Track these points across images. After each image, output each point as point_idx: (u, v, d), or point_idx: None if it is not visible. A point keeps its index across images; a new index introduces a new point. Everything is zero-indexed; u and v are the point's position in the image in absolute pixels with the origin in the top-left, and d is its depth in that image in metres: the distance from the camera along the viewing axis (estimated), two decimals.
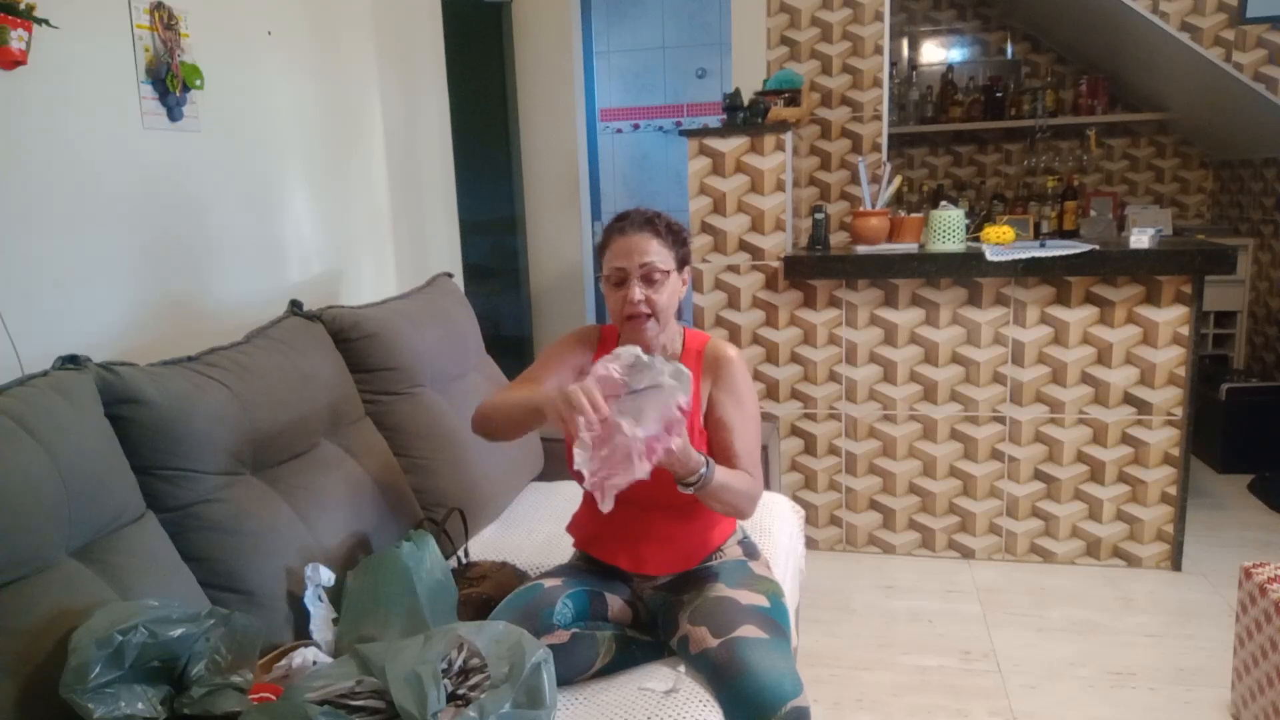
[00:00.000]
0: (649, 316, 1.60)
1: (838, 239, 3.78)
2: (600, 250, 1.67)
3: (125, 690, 1.15)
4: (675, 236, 1.66)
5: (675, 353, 1.70)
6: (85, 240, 1.69)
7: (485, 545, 2.13)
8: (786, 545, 2.11)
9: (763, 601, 1.61)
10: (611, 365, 1.39)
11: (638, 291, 1.58)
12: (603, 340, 1.78)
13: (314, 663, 1.44)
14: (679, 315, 1.73)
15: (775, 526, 2.14)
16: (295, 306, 2.04)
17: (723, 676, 1.46)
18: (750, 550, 1.80)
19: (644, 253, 1.59)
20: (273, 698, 1.23)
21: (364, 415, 2.06)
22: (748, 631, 1.51)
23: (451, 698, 1.13)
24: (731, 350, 1.68)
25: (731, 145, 3.06)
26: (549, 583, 1.66)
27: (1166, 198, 4.67)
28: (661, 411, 1.37)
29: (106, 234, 1.74)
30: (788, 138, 3.04)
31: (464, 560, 1.93)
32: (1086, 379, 2.91)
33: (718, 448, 1.64)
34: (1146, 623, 2.62)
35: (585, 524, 1.79)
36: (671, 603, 1.67)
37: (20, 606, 1.17)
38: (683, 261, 1.67)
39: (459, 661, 1.18)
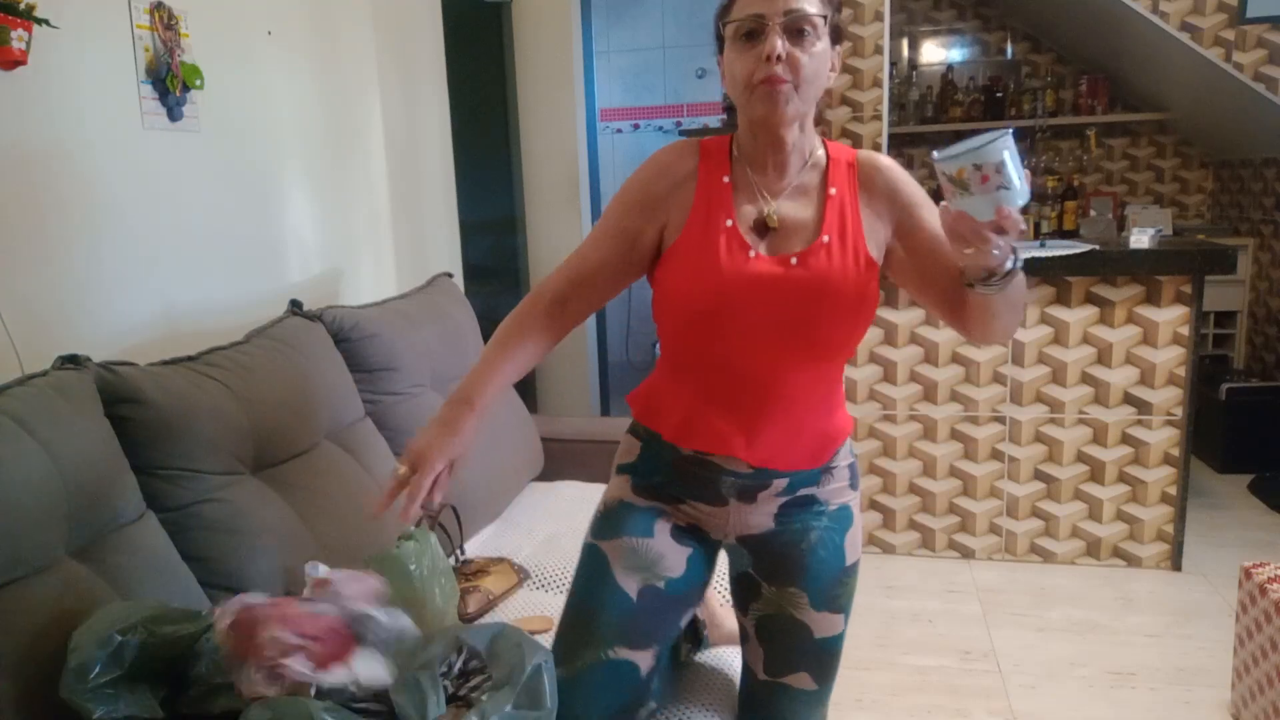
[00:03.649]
0: (788, 84, 1.19)
1: None
2: (724, 7, 1.27)
3: (125, 690, 1.15)
4: None
5: (820, 166, 1.31)
6: (85, 240, 1.69)
7: (485, 545, 2.13)
8: None
9: (837, 628, 1.40)
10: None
11: (779, 44, 1.17)
12: (705, 155, 1.32)
13: None
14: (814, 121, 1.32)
15: None
16: (295, 306, 2.04)
17: (753, 714, 1.44)
18: (853, 477, 1.44)
19: None
20: None
21: (364, 415, 2.06)
22: (799, 681, 1.39)
23: (452, 700, 1.12)
24: (885, 158, 1.32)
25: None
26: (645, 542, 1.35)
27: (1166, 198, 4.67)
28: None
29: (106, 234, 1.74)
30: None
31: (461, 557, 1.94)
32: (1086, 379, 2.91)
33: (941, 272, 1.26)
34: (1146, 623, 2.62)
35: (677, 406, 1.34)
36: (749, 574, 1.42)
37: (20, 606, 1.17)
38: (837, 31, 1.25)
39: (459, 663, 1.18)
